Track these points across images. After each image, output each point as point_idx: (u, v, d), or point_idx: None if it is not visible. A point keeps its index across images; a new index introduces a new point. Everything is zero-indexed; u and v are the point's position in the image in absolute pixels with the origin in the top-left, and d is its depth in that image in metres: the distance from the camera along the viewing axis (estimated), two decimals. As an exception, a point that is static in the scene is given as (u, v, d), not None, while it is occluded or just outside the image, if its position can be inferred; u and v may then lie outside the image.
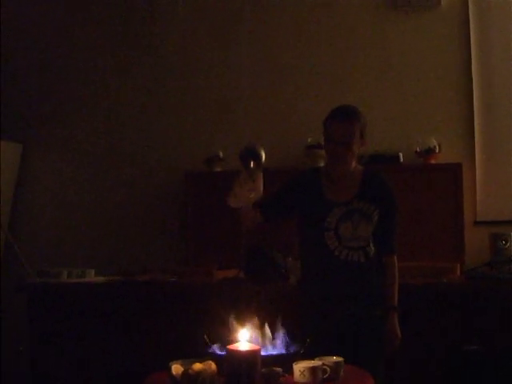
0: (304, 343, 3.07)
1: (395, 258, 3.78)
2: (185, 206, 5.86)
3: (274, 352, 3.04)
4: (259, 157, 3.63)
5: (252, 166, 3.56)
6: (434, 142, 5.54)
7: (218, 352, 3.01)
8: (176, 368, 2.81)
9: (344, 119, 3.58)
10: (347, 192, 3.66)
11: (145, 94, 6.25)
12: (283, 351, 3.05)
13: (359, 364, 3.13)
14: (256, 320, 3.06)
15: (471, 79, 5.69)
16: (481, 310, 4.55)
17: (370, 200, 3.64)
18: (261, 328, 3.08)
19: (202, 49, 6.17)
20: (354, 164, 3.69)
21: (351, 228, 3.60)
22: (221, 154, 5.84)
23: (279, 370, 2.79)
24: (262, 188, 3.58)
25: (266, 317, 3.14)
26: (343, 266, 3.59)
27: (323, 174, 3.75)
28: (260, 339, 3.05)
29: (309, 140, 5.63)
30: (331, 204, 3.63)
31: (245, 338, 2.77)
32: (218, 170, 5.86)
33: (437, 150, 5.53)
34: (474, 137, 5.67)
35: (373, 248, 3.65)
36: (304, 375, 2.82)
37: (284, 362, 2.90)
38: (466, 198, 5.52)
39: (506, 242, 5.04)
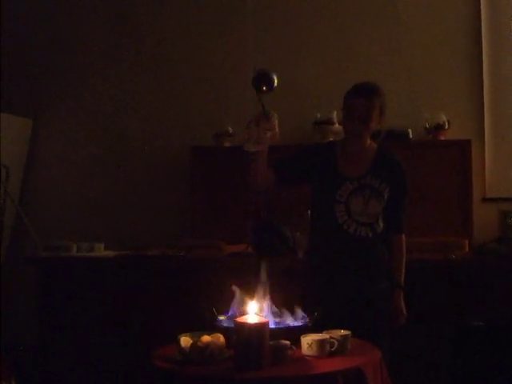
0: (312, 316, 3.08)
1: (403, 237, 3.80)
2: (193, 181, 5.87)
3: (282, 325, 3.05)
4: (272, 81, 3.48)
5: (264, 90, 3.45)
6: (443, 118, 5.54)
7: (227, 325, 3.02)
8: (185, 340, 2.83)
9: (364, 95, 3.61)
10: (360, 167, 3.70)
11: (154, 68, 6.25)
12: (291, 324, 3.07)
13: (364, 336, 3.15)
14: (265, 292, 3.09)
15: (481, 55, 5.67)
16: (489, 286, 4.56)
17: (381, 177, 3.67)
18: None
19: (210, 23, 6.15)
20: (368, 141, 3.74)
21: (362, 203, 3.62)
22: (230, 130, 5.85)
23: (287, 342, 2.80)
24: (277, 128, 3.51)
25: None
26: (351, 240, 3.62)
27: (339, 148, 3.78)
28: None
29: (318, 115, 5.63)
30: (344, 178, 3.67)
31: (253, 311, 2.78)
32: (227, 145, 5.87)
33: (446, 127, 5.53)
34: (483, 113, 5.67)
35: (381, 224, 3.68)
36: (312, 348, 2.85)
37: (292, 334, 2.92)
38: (475, 174, 5.53)
39: (515, 219, 5.05)
